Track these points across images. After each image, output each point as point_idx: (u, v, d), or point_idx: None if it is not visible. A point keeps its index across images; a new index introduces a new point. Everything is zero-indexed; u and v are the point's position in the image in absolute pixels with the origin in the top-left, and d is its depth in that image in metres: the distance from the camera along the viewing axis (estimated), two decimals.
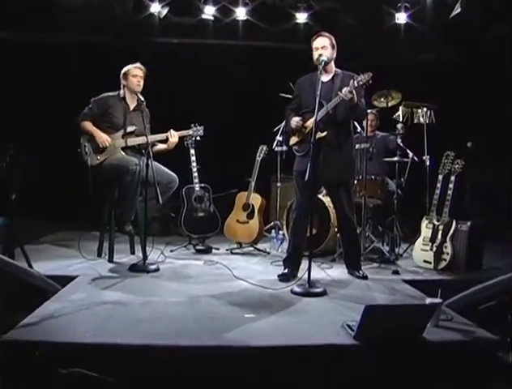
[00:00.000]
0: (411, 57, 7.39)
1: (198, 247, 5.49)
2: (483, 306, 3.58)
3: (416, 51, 7.35)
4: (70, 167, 5.41)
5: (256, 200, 5.53)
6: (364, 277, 4.50)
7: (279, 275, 4.41)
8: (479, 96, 6.65)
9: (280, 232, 5.88)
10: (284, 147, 5.92)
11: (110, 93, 4.94)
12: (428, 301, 3.40)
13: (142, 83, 4.89)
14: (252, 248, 5.60)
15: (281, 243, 5.75)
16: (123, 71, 4.91)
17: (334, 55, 4.38)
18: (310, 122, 4.27)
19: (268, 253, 5.55)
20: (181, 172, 5.35)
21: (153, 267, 4.57)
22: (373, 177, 5.52)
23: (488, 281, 3.68)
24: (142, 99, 4.77)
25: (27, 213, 6.87)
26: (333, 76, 4.39)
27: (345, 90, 4.12)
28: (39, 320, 3.19)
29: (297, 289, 3.99)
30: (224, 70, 7.25)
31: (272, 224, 6.06)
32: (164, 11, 6.83)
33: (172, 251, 5.45)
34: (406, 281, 4.46)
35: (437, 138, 5.68)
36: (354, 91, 4.11)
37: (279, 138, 5.90)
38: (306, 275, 3.99)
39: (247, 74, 7.30)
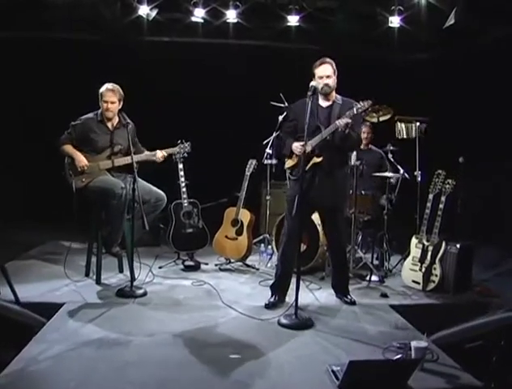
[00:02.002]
0: (405, 59, 7.30)
1: (186, 263, 5.45)
2: (469, 345, 3.58)
3: (411, 53, 7.27)
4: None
5: (245, 216, 5.48)
6: (352, 303, 4.50)
7: (266, 304, 4.38)
8: (474, 103, 6.58)
9: (269, 246, 5.85)
10: (274, 161, 5.87)
11: (88, 115, 4.81)
12: (414, 343, 3.39)
13: (113, 107, 4.73)
14: (241, 263, 5.58)
15: (270, 258, 5.73)
16: (99, 92, 4.75)
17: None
18: (308, 144, 4.21)
19: (257, 269, 5.53)
20: (169, 186, 5.32)
21: (140, 291, 4.53)
22: (363, 192, 5.48)
23: (476, 320, 3.68)
24: (128, 121, 4.68)
25: (24, 214, 6.96)
26: (332, 102, 4.34)
27: (342, 119, 4.09)
28: (23, 366, 3.16)
29: (284, 321, 3.98)
30: (214, 79, 7.14)
31: (262, 237, 6.03)
32: (153, 14, 6.66)
33: (160, 268, 5.43)
34: (394, 307, 4.46)
35: (430, 152, 5.64)
36: (351, 120, 4.08)
37: (268, 150, 5.82)
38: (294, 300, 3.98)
39: (237, 83, 7.18)
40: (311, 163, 4.26)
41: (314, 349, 3.59)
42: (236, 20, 6.78)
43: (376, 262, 5.61)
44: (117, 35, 6.98)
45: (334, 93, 4.36)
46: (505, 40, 6.02)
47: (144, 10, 6.59)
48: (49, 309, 4.06)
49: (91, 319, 3.93)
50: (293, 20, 6.78)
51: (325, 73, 4.23)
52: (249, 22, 6.91)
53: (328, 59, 4.28)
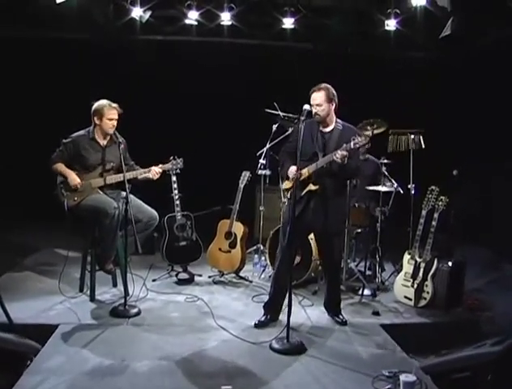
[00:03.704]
0: (401, 61, 7.25)
1: (180, 277, 5.47)
2: (456, 376, 3.63)
3: (408, 56, 7.22)
4: None
5: (238, 229, 5.48)
6: (344, 323, 4.53)
7: (255, 324, 4.42)
8: (469, 112, 6.57)
9: (263, 258, 5.87)
10: (268, 171, 5.86)
11: (80, 133, 4.79)
12: (403, 377, 3.44)
13: (115, 124, 4.74)
14: (234, 274, 5.61)
15: (263, 270, 5.76)
16: (97, 109, 4.71)
17: (333, 107, 4.30)
18: (304, 172, 4.29)
19: (250, 282, 5.57)
20: (162, 199, 5.34)
21: (134, 310, 4.56)
22: (356, 204, 5.49)
23: (465, 350, 3.73)
24: (120, 140, 4.67)
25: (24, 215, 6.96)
26: (333, 128, 4.33)
27: (339, 152, 4.07)
28: None
29: (276, 346, 4.01)
30: (208, 83, 7.10)
31: (255, 247, 6.05)
32: (146, 16, 6.57)
33: (154, 281, 5.46)
34: (385, 327, 4.50)
35: (424, 164, 5.64)
36: (347, 153, 4.07)
37: (262, 161, 5.81)
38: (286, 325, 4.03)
39: (230, 88, 7.13)
40: (306, 189, 4.29)
41: (304, 378, 3.64)
42: (230, 22, 6.71)
43: (368, 272, 5.64)
44: (111, 37, 6.90)
45: (333, 119, 4.35)
46: (504, 41, 5.96)
47: (137, 13, 6.51)
48: (43, 332, 4.10)
49: (85, 344, 3.96)
50: (288, 22, 6.70)
51: (314, 101, 4.24)
52: (244, 23, 6.83)
53: (323, 85, 4.26)
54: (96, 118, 4.73)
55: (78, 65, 7.05)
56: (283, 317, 4.39)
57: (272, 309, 4.50)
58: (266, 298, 4.69)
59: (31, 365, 3.65)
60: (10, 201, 7.03)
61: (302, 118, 4.11)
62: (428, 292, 4.88)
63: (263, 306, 4.57)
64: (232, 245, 5.47)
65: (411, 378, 3.44)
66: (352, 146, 4.04)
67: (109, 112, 4.68)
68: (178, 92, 7.12)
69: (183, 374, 3.60)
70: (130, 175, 4.73)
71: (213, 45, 7.16)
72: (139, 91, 6.76)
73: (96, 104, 4.74)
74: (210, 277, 5.62)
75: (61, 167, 4.71)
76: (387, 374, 3.65)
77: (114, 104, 4.71)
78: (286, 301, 4.16)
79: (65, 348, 3.91)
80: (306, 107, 4.17)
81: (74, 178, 4.65)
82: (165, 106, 7.13)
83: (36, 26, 6.81)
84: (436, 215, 4.95)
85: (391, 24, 6.58)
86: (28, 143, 7.12)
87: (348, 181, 5.13)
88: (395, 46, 6.89)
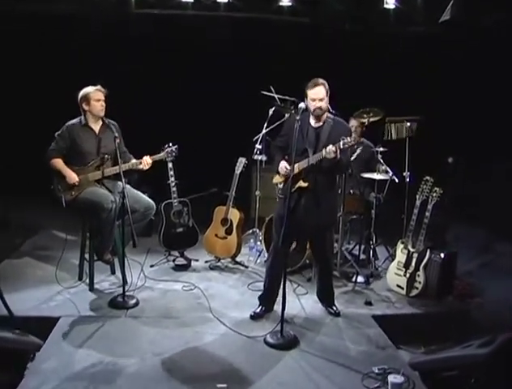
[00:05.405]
0: (400, 37, 7.16)
1: (177, 263, 5.57)
2: (445, 374, 3.76)
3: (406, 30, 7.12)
4: None
5: (234, 215, 5.53)
6: (337, 314, 4.64)
7: (251, 315, 4.54)
8: (467, 100, 6.54)
9: (258, 242, 5.95)
10: (264, 157, 5.86)
11: (71, 122, 4.80)
12: (391, 378, 3.57)
13: (104, 105, 4.76)
14: (230, 259, 5.71)
15: (259, 255, 5.84)
16: (83, 95, 4.73)
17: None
18: (295, 167, 4.26)
19: (246, 267, 5.67)
20: (159, 186, 5.38)
21: (132, 301, 4.66)
22: (351, 191, 5.54)
23: (454, 350, 3.82)
24: (116, 134, 4.65)
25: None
26: (323, 123, 4.31)
27: (329, 148, 4.06)
28: None
29: (270, 340, 4.13)
30: (204, 71, 7.03)
31: (251, 231, 6.12)
32: None
33: (152, 267, 5.56)
34: (377, 319, 4.61)
35: (420, 152, 5.64)
36: (338, 151, 4.06)
37: (258, 146, 5.81)
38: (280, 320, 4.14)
39: (227, 71, 7.07)
40: (297, 186, 4.29)
41: (297, 375, 3.76)
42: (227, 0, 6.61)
43: (362, 256, 5.73)
44: (108, 13, 6.78)
45: (326, 113, 4.32)
46: (504, 26, 5.88)
47: None
48: (44, 324, 4.20)
49: (85, 340, 4.05)
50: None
51: (317, 96, 4.17)
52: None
53: (321, 80, 4.21)
54: (84, 105, 4.75)
55: (76, 42, 6.95)
56: (277, 307, 4.48)
57: (267, 300, 4.60)
58: (261, 285, 4.81)
59: (33, 363, 3.73)
60: (9, 178, 7.04)
61: (297, 117, 4.09)
62: (420, 282, 4.98)
63: (258, 298, 4.67)
64: (229, 232, 5.54)
65: (399, 378, 3.57)
66: (342, 146, 4.03)
67: (95, 94, 4.71)
68: (174, 78, 7.07)
69: (180, 373, 3.69)
70: (125, 167, 4.74)
71: (209, 24, 7.03)
72: (135, 78, 6.72)
73: (80, 92, 4.76)
74: (206, 262, 5.71)
75: (58, 163, 4.72)
76: (377, 371, 3.78)
77: (98, 86, 4.73)
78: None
79: (65, 345, 3.99)
80: (302, 105, 4.15)
81: (73, 177, 4.67)
82: (161, 91, 7.09)
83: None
84: (429, 207, 4.99)
85: (390, 2, 6.51)
86: (26, 122, 7.09)
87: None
88: (394, 23, 6.79)
